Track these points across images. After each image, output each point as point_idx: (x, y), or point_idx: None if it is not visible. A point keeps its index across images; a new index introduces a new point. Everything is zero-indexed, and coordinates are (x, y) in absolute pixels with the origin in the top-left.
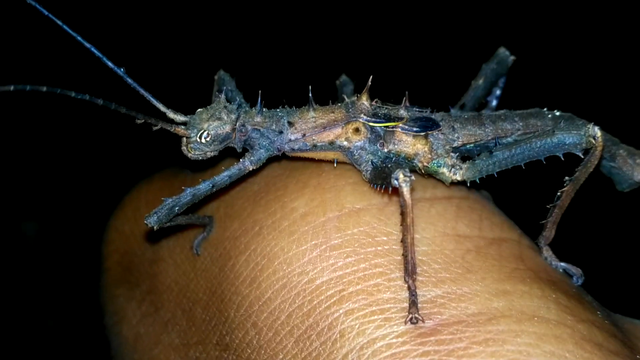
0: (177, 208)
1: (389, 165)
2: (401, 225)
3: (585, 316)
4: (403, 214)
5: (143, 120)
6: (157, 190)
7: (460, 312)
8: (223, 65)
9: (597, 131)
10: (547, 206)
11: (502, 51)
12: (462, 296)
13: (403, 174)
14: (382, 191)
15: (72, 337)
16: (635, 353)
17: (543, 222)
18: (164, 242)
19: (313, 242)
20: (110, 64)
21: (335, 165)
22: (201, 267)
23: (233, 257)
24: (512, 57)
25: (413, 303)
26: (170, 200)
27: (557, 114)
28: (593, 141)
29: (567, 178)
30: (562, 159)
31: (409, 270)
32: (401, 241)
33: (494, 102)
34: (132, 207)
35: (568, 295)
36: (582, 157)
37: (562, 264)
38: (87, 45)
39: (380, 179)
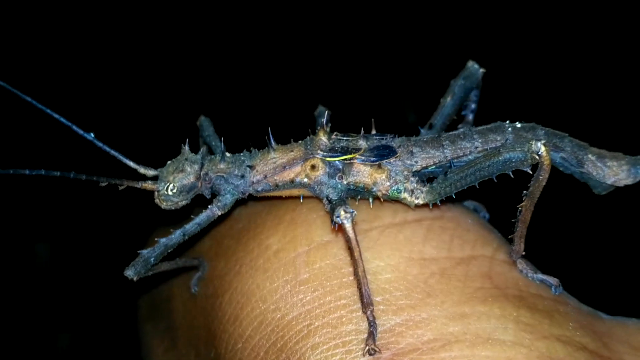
0: (152, 259)
1: (333, 202)
2: (350, 259)
3: (549, 331)
4: (350, 249)
5: (107, 183)
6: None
7: (417, 339)
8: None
9: (540, 147)
10: (512, 220)
11: (471, 65)
12: (420, 323)
13: (344, 211)
14: (333, 227)
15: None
16: None
17: (510, 236)
18: (175, 281)
19: (284, 278)
20: (80, 131)
21: (301, 200)
22: (200, 305)
23: (220, 296)
24: (481, 70)
25: (371, 334)
26: (145, 252)
27: (519, 125)
28: (537, 157)
29: (524, 192)
30: (512, 176)
31: (365, 302)
32: (354, 274)
33: (470, 117)
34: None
35: (534, 310)
36: (531, 172)
37: (539, 275)
38: (56, 115)
39: (330, 215)
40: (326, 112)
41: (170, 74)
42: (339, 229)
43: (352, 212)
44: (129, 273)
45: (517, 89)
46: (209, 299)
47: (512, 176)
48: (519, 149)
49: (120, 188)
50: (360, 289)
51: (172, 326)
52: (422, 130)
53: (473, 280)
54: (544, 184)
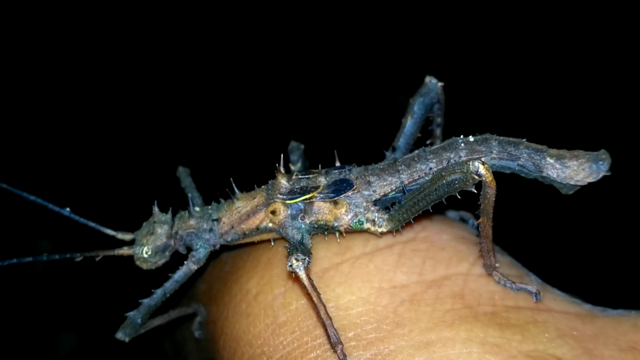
0: (139, 320)
1: (289, 250)
2: (309, 302)
3: (517, 349)
4: (307, 294)
5: (82, 257)
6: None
7: None
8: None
9: (478, 166)
10: (477, 236)
11: (428, 80)
12: (388, 355)
13: (295, 259)
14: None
15: None
16: None
17: (478, 253)
18: (185, 324)
19: (265, 322)
20: (56, 208)
21: (272, 243)
22: (203, 348)
23: (217, 341)
24: (440, 84)
25: None
26: (131, 314)
27: (472, 139)
28: (477, 177)
29: (478, 211)
30: (459, 197)
31: (332, 342)
32: (317, 317)
33: (438, 131)
34: None
35: (505, 326)
36: (477, 192)
37: (518, 285)
38: (32, 197)
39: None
40: (298, 147)
41: (141, 124)
42: (295, 277)
43: (304, 258)
44: (120, 335)
45: (479, 96)
46: (209, 344)
47: (459, 197)
48: (459, 170)
49: (97, 259)
50: (325, 330)
51: None
52: (386, 154)
53: (443, 303)
54: (493, 199)
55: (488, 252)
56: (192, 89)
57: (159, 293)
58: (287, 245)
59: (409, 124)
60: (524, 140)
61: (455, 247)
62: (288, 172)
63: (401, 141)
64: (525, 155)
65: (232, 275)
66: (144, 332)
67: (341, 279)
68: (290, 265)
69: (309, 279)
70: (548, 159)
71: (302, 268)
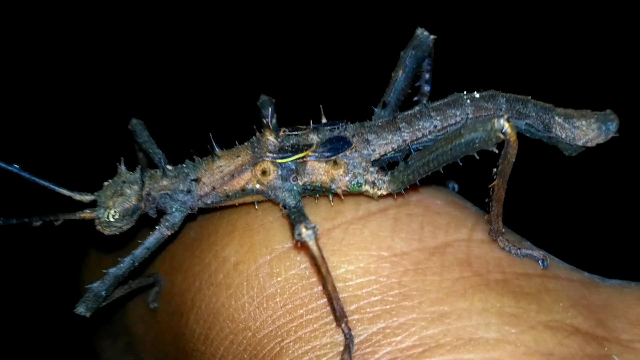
0: (103, 292)
1: (292, 217)
2: (317, 274)
3: (536, 319)
4: (316, 265)
5: (40, 222)
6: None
7: (395, 347)
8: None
9: (504, 124)
10: (486, 200)
11: (420, 32)
12: (398, 329)
13: (305, 227)
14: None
15: None
16: (607, 342)
17: (486, 217)
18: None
19: (249, 294)
20: (2, 164)
21: (256, 206)
22: (162, 321)
23: (185, 314)
24: (432, 37)
25: (347, 347)
26: (95, 286)
27: (477, 95)
28: (502, 136)
29: (494, 170)
30: (477, 157)
31: (338, 315)
32: (322, 289)
33: (426, 88)
34: (97, 259)
35: (519, 295)
36: (498, 152)
37: (524, 250)
38: None
39: (290, 228)
40: (270, 102)
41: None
42: (302, 246)
43: (314, 227)
44: (81, 310)
45: (470, 53)
46: (173, 316)
47: (477, 157)
48: (481, 128)
49: (57, 224)
50: (331, 303)
51: (132, 341)
52: (375, 110)
53: (450, 271)
54: (513, 160)
55: (497, 217)
56: (145, 34)
57: (127, 262)
58: (281, 210)
59: (400, 78)
60: (530, 97)
61: (451, 212)
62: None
63: (392, 96)
64: (533, 113)
65: (201, 242)
66: (104, 305)
67: (334, 246)
68: (299, 234)
69: (319, 248)
70: (556, 118)
71: (312, 237)
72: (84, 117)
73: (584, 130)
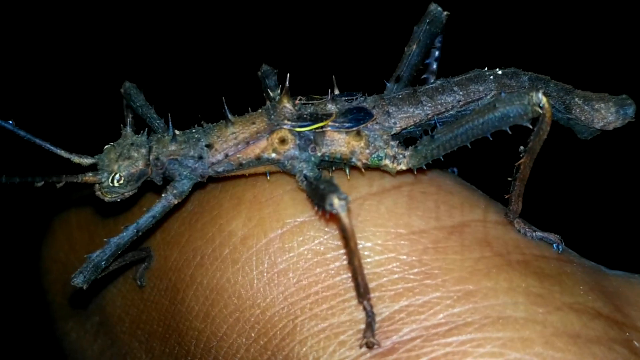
0: (103, 262)
1: (322, 187)
2: (345, 248)
3: (561, 300)
4: (345, 238)
5: (43, 182)
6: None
7: (419, 325)
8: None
9: (542, 98)
10: (509, 179)
11: (434, 8)
12: (422, 307)
13: (337, 198)
14: (321, 213)
15: None
16: (626, 327)
17: (507, 196)
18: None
19: (259, 269)
20: None
21: (268, 177)
22: (150, 299)
23: (181, 290)
24: (445, 13)
25: (369, 325)
26: (95, 255)
27: (500, 72)
28: (539, 110)
29: (521, 148)
30: (509, 132)
31: (362, 292)
32: (348, 264)
33: (434, 65)
34: (64, 232)
35: (542, 276)
36: (531, 127)
37: (538, 233)
38: None
39: (316, 200)
40: (272, 72)
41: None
42: (331, 218)
43: (346, 197)
44: (78, 281)
45: (478, 33)
46: (166, 294)
47: (509, 132)
48: (517, 101)
49: (58, 186)
50: (355, 279)
51: (106, 322)
52: (388, 85)
53: (471, 251)
54: (545, 137)
55: (518, 197)
56: None
57: (130, 230)
58: (299, 182)
59: (414, 52)
60: (550, 77)
61: (463, 193)
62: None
63: (405, 71)
64: (555, 93)
65: (202, 215)
66: (100, 277)
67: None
68: (331, 204)
69: (350, 220)
70: (577, 99)
71: (345, 208)
72: (78, 79)
73: (602, 113)
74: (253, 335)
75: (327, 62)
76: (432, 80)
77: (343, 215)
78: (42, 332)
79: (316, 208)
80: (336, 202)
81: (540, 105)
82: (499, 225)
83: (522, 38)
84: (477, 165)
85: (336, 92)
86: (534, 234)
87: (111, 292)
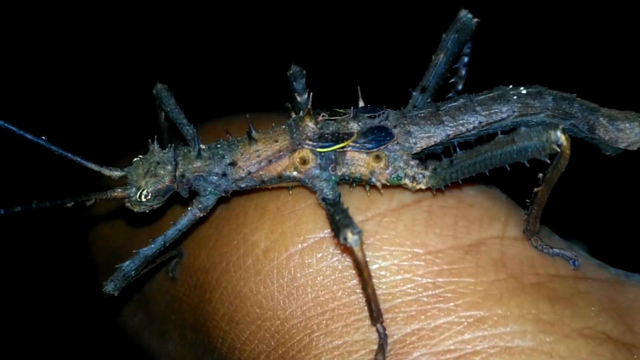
0: (133, 272)
1: (337, 218)
2: (358, 277)
3: (571, 327)
4: (358, 269)
5: (73, 203)
6: None
7: (429, 350)
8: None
9: (560, 136)
10: (526, 201)
11: (464, 14)
12: (433, 331)
13: (351, 233)
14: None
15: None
16: (635, 348)
17: (524, 217)
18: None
19: (279, 283)
20: (30, 136)
21: (290, 192)
22: (181, 291)
23: (208, 292)
24: (475, 20)
25: (381, 347)
26: (125, 265)
27: (524, 91)
28: (557, 148)
29: (540, 176)
30: (527, 165)
31: (375, 316)
32: (362, 289)
33: (463, 71)
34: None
35: (554, 300)
36: (549, 162)
37: (555, 250)
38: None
39: (332, 227)
40: (301, 73)
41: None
42: (345, 250)
43: (359, 231)
44: (109, 289)
45: (505, 39)
46: (195, 291)
47: (527, 165)
48: (536, 138)
49: (88, 204)
50: (369, 304)
51: (145, 301)
52: (413, 94)
53: (486, 272)
54: (563, 170)
55: (536, 219)
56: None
57: (158, 242)
58: (319, 202)
59: (441, 61)
60: (575, 96)
61: (483, 204)
62: (291, 104)
63: (431, 80)
64: (579, 114)
65: (228, 222)
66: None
67: (368, 240)
68: (345, 239)
69: (364, 254)
70: (601, 119)
71: (358, 243)
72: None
73: (627, 134)
74: (273, 344)
75: (354, 67)
76: (459, 87)
77: (356, 249)
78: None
79: (332, 234)
80: (350, 236)
81: (559, 143)
82: (516, 242)
83: (550, 45)
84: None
85: (360, 104)
86: (550, 250)
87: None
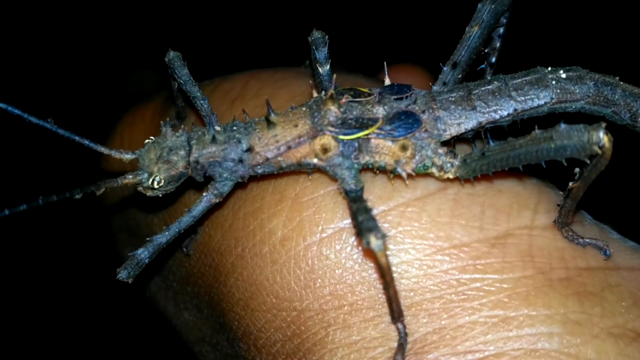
0: (146, 260)
1: (360, 219)
2: (380, 279)
3: (599, 326)
4: (380, 272)
5: (82, 194)
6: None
7: (451, 351)
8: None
9: (603, 137)
10: (561, 193)
11: None
12: (456, 330)
13: (375, 237)
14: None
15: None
16: None
17: (557, 208)
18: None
19: (296, 273)
20: (34, 119)
21: (310, 177)
22: (196, 267)
23: (224, 274)
24: None
25: (400, 346)
26: (139, 252)
27: (563, 75)
28: (598, 150)
29: (577, 170)
30: (565, 164)
31: (395, 315)
32: (383, 290)
33: (498, 43)
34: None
35: (583, 296)
36: (588, 162)
37: (587, 240)
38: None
39: (354, 226)
40: (324, 39)
41: None
42: (368, 253)
43: (383, 235)
44: (123, 276)
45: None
46: (210, 270)
47: (565, 164)
48: (577, 137)
49: (99, 193)
50: (390, 304)
51: (162, 269)
52: (444, 69)
53: (513, 268)
54: (602, 169)
55: (569, 212)
56: None
57: (173, 229)
58: (340, 193)
59: (475, 34)
60: (618, 79)
61: (513, 188)
62: (313, 69)
63: (463, 55)
64: (621, 101)
65: (245, 204)
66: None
67: (390, 232)
68: (368, 243)
69: (388, 259)
70: None
71: (382, 248)
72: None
73: None
74: (289, 334)
75: (380, 37)
76: (492, 60)
77: (380, 254)
78: None
79: (355, 231)
80: (373, 241)
81: (600, 145)
82: (545, 232)
83: (585, 22)
84: None
85: (387, 81)
86: (581, 240)
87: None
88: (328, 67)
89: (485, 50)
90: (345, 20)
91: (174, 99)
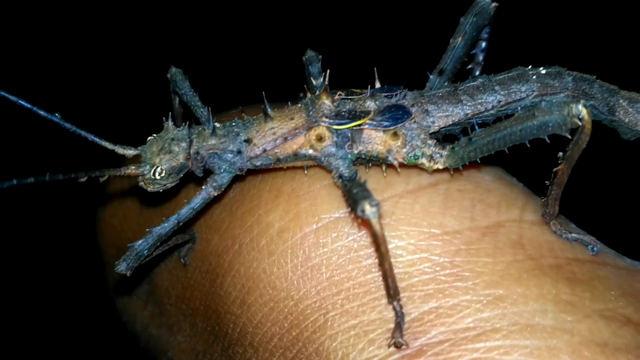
0: (145, 251)
1: (354, 191)
2: (376, 252)
3: (591, 308)
4: (376, 243)
5: (86, 177)
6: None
7: (448, 328)
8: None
9: (582, 109)
10: (546, 182)
11: None
12: (451, 309)
13: (369, 205)
14: (353, 216)
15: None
16: None
17: (543, 199)
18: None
19: (293, 263)
20: (43, 112)
21: (305, 171)
22: (193, 278)
23: (220, 276)
24: (493, 4)
25: (398, 325)
26: (137, 244)
27: (543, 71)
28: (578, 122)
29: (560, 154)
30: (548, 141)
31: (392, 293)
32: (379, 265)
33: (481, 57)
34: (118, 201)
35: (574, 282)
36: (570, 137)
37: (574, 235)
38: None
39: (349, 202)
40: (317, 58)
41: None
42: (363, 222)
43: (377, 203)
44: (121, 268)
45: (523, 23)
46: (207, 276)
47: (547, 141)
48: (557, 112)
49: (102, 180)
50: (385, 281)
51: (155, 291)
52: (430, 77)
53: (504, 253)
54: (584, 147)
55: (555, 201)
56: None
57: (172, 221)
58: (335, 180)
59: (459, 44)
60: (595, 77)
61: (501, 189)
62: (304, 94)
63: (449, 63)
64: (599, 95)
65: (242, 204)
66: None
67: (384, 220)
68: (362, 211)
69: (382, 227)
70: (621, 101)
71: (376, 215)
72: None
73: None
74: (286, 325)
75: (370, 51)
76: (476, 73)
77: (374, 221)
78: None
79: (349, 209)
80: (367, 208)
81: (580, 117)
82: (534, 226)
83: (569, 30)
84: (518, 156)
85: (377, 85)
86: (569, 235)
87: (159, 265)
88: (321, 79)
89: (469, 66)
90: (333, 31)
91: None
